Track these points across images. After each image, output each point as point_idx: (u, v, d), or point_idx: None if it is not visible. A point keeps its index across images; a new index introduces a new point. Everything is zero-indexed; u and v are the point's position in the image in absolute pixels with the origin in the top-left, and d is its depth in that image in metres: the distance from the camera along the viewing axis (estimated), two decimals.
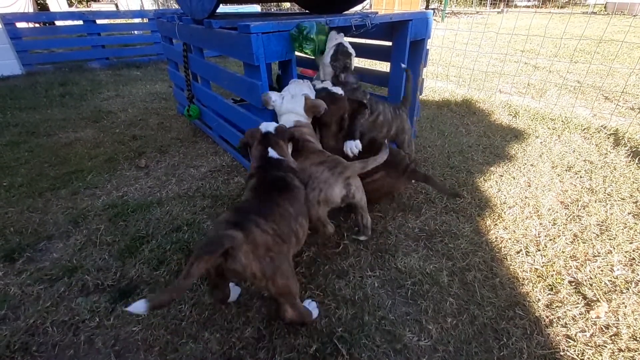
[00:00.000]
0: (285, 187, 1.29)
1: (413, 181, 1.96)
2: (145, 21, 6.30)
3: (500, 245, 1.66)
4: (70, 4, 12.60)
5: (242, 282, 1.41)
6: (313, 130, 1.76)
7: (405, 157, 1.83)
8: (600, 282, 1.44)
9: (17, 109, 3.54)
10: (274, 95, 1.75)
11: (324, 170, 1.46)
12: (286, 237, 1.16)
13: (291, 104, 1.70)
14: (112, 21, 5.89)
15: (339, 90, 1.88)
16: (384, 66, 2.84)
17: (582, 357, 1.17)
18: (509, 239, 1.69)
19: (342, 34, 1.96)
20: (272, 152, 1.41)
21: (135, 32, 6.37)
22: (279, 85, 2.07)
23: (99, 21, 5.48)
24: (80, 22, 5.35)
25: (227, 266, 1.02)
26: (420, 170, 1.83)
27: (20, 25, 5.04)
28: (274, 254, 1.09)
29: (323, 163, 1.48)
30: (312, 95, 1.77)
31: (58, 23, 6.07)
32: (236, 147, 1.76)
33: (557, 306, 1.35)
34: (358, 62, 2.72)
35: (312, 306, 1.30)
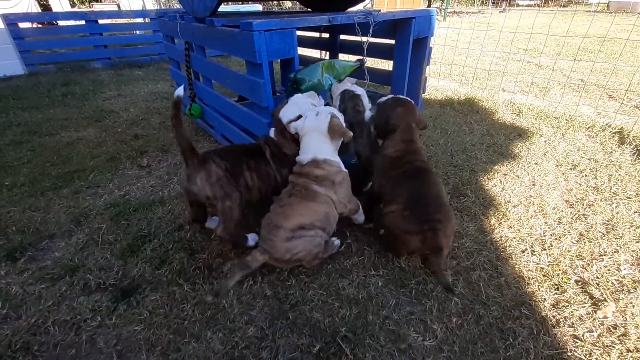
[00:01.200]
0: (258, 151, 1.64)
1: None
2: (147, 21, 6.29)
3: (505, 244, 1.64)
4: (73, 5, 12.64)
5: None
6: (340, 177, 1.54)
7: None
8: (607, 282, 1.42)
9: (20, 109, 3.55)
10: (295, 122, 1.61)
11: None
12: (236, 176, 1.53)
13: (315, 121, 1.54)
14: (114, 21, 5.90)
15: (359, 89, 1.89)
16: (386, 65, 2.83)
17: (590, 358, 1.15)
18: (514, 238, 1.67)
19: (347, 82, 1.95)
20: (272, 132, 1.71)
21: (137, 32, 6.38)
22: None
23: (101, 21, 5.49)
24: (83, 22, 5.36)
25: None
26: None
27: (23, 25, 5.04)
28: (223, 182, 1.47)
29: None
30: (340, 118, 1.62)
31: (61, 23, 6.09)
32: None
33: (563, 306, 1.33)
34: None
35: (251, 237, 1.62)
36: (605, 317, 1.28)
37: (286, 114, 1.65)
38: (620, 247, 1.59)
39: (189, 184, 1.48)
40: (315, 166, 1.50)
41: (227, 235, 1.52)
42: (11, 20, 4.81)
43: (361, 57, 2.16)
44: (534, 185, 2.08)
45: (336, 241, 1.61)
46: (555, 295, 1.37)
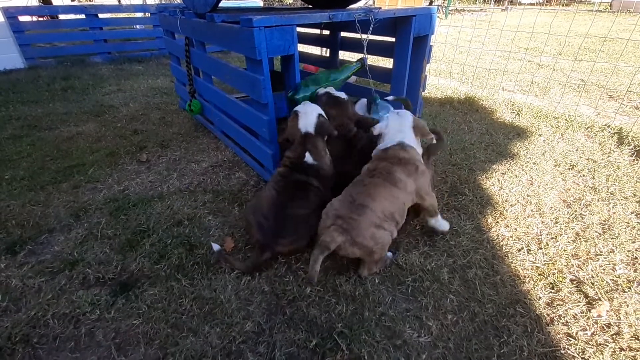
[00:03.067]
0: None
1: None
2: (147, 16, 6.26)
3: (502, 242, 1.65)
4: None
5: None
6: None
7: None
8: (602, 281, 1.43)
9: (19, 103, 3.54)
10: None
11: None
12: None
13: (399, 119, 1.60)
14: (114, 15, 5.86)
15: (342, 94, 1.90)
16: (387, 62, 2.83)
17: (583, 356, 1.16)
18: (511, 236, 1.69)
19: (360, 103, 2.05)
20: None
21: (138, 26, 6.34)
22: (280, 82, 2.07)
23: (101, 15, 5.46)
24: (83, 16, 5.33)
25: None
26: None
27: (23, 18, 5.01)
28: None
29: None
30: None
31: (61, 17, 6.06)
32: None
33: (558, 304, 1.34)
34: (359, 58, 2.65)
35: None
36: (599, 316, 1.29)
37: (307, 123, 1.66)
38: (616, 247, 1.60)
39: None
40: (401, 148, 1.50)
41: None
42: (11, 14, 4.78)
43: (362, 57, 2.17)
44: (531, 184, 2.09)
45: (389, 253, 1.50)
46: (550, 294, 1.39)
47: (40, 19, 6.89)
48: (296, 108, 1.73)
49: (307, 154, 1.62)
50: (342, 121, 1.83)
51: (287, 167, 1.63)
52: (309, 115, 1.67)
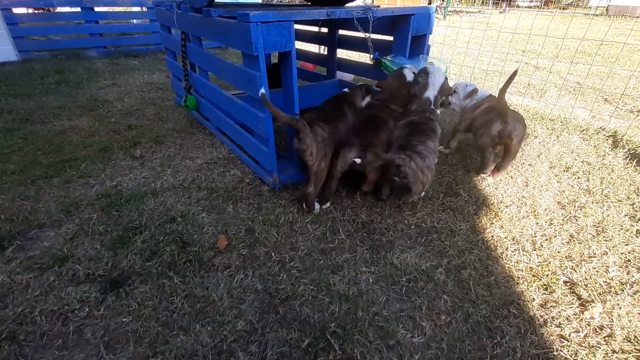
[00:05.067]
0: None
1: None
2: (144, 10, 6.19)
3: (496, 243, 1.65)
4: None
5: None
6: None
7: None
8: (595, 283, 1.43)
9: (12, 96, 3.48)
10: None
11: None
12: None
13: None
14: (110, 9, 5.80)
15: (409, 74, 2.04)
16: None
17: (576, 358, 1.16)
18: (505, 237, 1.68)
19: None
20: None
21: (134, 20, 6.27)
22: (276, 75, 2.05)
23: (97, 8, 5.39)
24: (78, 9, 5.26)
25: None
26: None
27: (18, 10, 4.93)
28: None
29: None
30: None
31: (57, 10, 5.97)
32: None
33: (551, 306, 1.34)
34: (357, 57, 2.67)
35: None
36: (592, 317, 1.29)
37: (435, 82, 1.97)
38: (610, 250, 1.61)
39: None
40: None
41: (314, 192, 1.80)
42: (5, 6, 4.71)
43: (372, 54, 2.20)
44: (527, 186, 2.09)
45: None
46: (544, 296, 1.38)
47: (36, 11, 6.80)
48: (426, 67, 2.01)
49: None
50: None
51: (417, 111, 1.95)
52: (436, 75, 1.97)
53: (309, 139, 1.71)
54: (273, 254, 1.56)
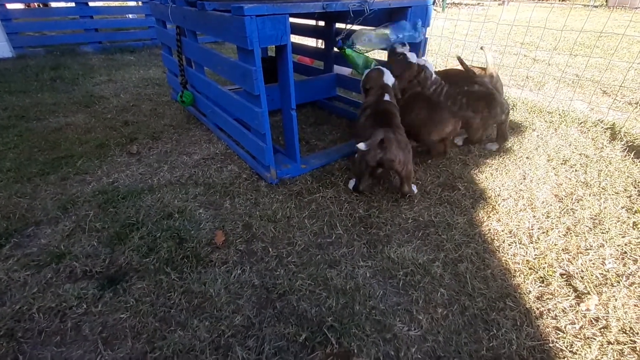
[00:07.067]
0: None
1: None
2: (139, 4, 6.14)
3: (493, 237, 1.65)
4: None
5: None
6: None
7: None
8: (592, 275, 1.44)
9: (7, 93, 3.46)
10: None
11: None
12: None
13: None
14: (105, 4, 5.74)
15: (414, 58, 2.16)
16: (382, 55, 2.79)
17: (571, 349, 1.17)
18: (502, 231, 1.69)
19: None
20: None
21: (130, 15, 6.22)
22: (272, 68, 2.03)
23: (92, 3, 5.33)
24: (73, 4, 5.21)
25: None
26: None
27: (12, 6, 4.88)
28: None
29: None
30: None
31: (51, 5, 5.91)
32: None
33: (547, 298, 1.35)
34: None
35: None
36: (587, 309, 1.30)
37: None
38: (606, 242, 1.61)
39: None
40: None
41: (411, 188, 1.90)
42: None
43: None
44: (524, 179, 2.09)
45: None
46: (540, 288, 1.39)
47: (30, 6, 6.73)
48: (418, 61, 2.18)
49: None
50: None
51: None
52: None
53: (395, 148, 1.68)
54: (270, 249, 1.56)
